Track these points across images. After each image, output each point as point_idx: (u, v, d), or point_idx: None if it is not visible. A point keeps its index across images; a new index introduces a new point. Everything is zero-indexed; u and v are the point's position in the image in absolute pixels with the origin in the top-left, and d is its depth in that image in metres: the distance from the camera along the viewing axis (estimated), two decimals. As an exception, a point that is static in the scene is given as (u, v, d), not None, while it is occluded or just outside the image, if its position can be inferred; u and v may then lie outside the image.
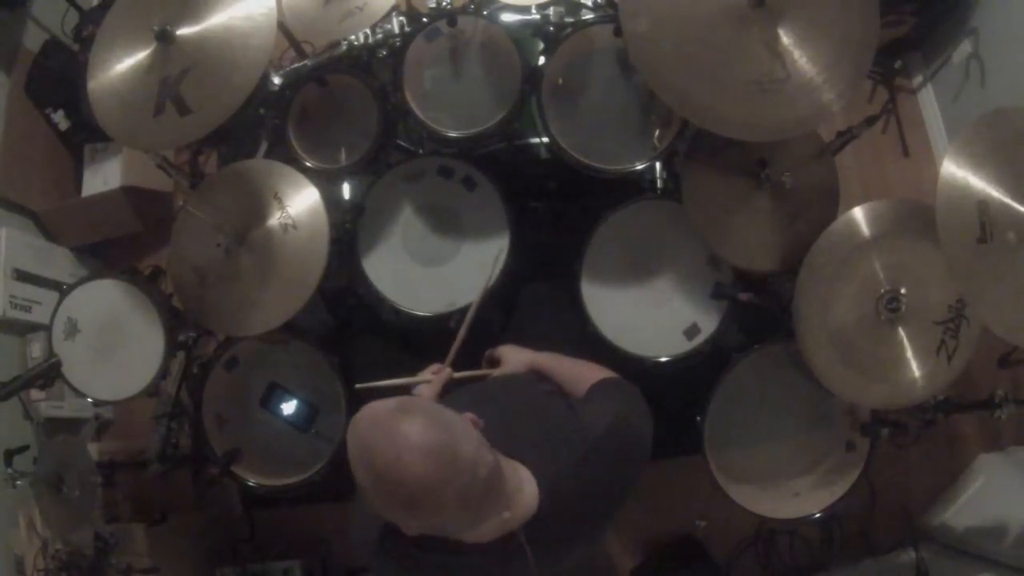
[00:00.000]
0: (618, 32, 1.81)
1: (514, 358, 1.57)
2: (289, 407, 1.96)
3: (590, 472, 1.17)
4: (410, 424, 0.97)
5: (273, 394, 1.97)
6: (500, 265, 1.85)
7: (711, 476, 1.86)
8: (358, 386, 1.66)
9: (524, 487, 1.11)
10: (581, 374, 1.43)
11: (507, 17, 1.97)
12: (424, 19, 1.91)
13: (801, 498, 1.92)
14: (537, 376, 1.52)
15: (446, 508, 0.97)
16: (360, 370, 1.90)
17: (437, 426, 0.99)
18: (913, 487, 2.44)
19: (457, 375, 1.60)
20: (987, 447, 2.45)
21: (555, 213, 2.23)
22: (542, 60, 1.85)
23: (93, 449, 2.61)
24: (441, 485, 0.95)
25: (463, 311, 1.87)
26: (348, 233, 1.95)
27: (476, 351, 1.67)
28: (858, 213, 1.65)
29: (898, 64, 2.55)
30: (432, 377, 1.57)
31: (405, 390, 1.58)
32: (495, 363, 1.61)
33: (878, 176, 2.66)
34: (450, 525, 1.03)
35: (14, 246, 2.48)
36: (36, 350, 2.46)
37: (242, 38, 1.55)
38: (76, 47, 2.69)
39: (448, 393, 1.56)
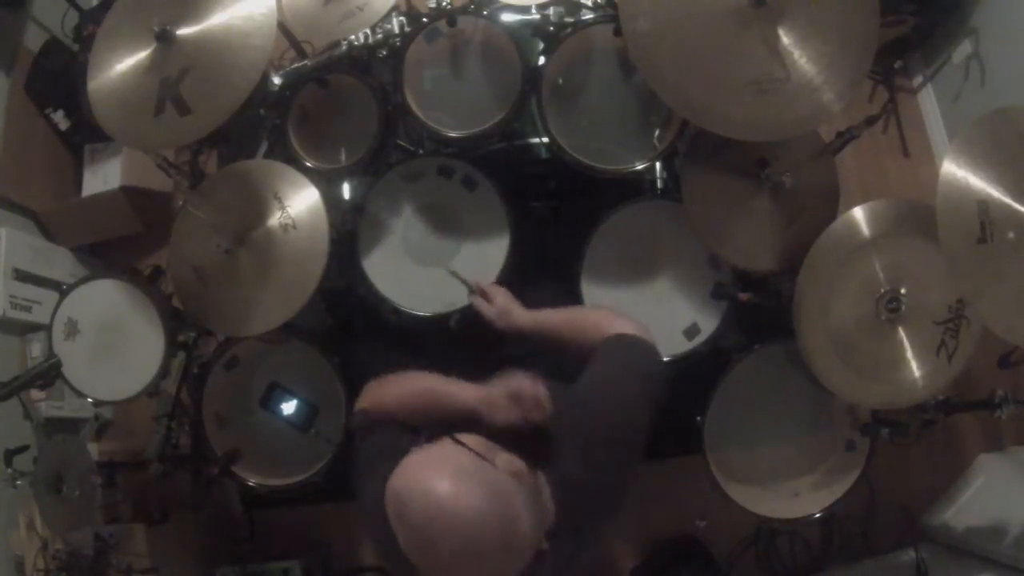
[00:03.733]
0: (618, 32, 1.81)
1: (505, 308, 1.50)
2: (289, 407, 1.96)
3: (601, 457, 1.14)
4: (469, 498, 0.93)
5: (273, 394, 1.97)
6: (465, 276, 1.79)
7: (711, 476, 1.86)
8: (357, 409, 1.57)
9: (545, 501, 1.08)
10: (587, 325, 1.35)
11: (507, 17, 1.97)
12: (424, 19, 1.91)
13: (801, 498, 1.92)
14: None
15: (498, 564, 0.96)
16: (360, 370, 1.90)
17: (501, 502, 0.95)
18: (913, 487, 2.44)
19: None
20: (987, 447, 2.45)
21: (555, 213, 2.24)
22: (542, 60, 1.85)
23: (93, 449, 2.61)
24: (503, 551, 0.94)
25: (463, 311, 1.88)
26: (348, 233, 1.95)
27: (476, 350, 1.67)
28: (858, 213, 1.65)
29: (898, 64, 2.55)
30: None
31: (392, 363, 1.49)
32: (486, 297, 1.57)
33: (878, 176, 2.66)
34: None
35: (14, 246, 2.48)
36: (36, 350, 2.46)
37: (242, 38, 1.55)
38: (76, 47, 2.69)
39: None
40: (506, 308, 1.52)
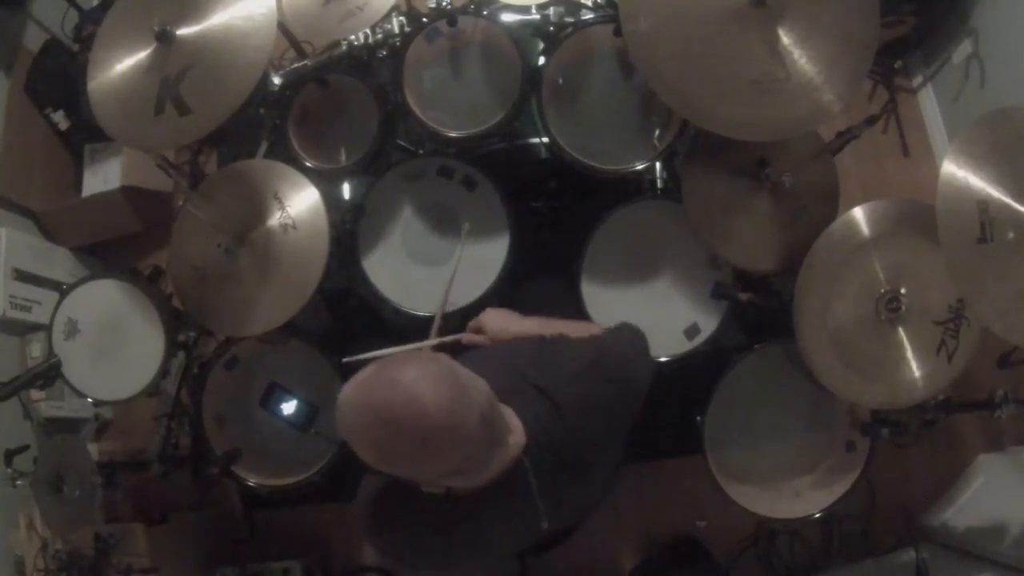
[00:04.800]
0: (618, 32, 1.81)
1: (500, 329, 1.52)
2: (289, 407, 1.96)
3: (576, 397, 1.16)
4: (406, 369, 0.96)
5: (273, 394, 1.97)
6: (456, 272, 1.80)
7: (711, 476, 1.86)
8: (345, 359, 1.65)
9: (510, 419, 1.10)
10: (584, 332, 1.40)
11: (507, 17, 1.97)
12: (424, 19, 1.91)
13: (801, 498, 1.92)
14: None
15: (469, 438, 0.95)
16: (360, 370, 1.90)
17: (429, 362, 0.98)
18: (913, 487, 2.43)
19: (436, 340, 1.58)
20: (987, 447, 2.45)
21: (555, 213, 2.24)
22: (542, 60, 1.85)
23: (93, 449, 2.60)
24: (460, 411, 0.94)
25: (464, 311, 1.88)
26: (348, 233, 1.95)
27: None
28: (858, 213, 1.65)
29: (898, 64, 2.55)
30: (416, 344, 1.56)
31: None
32: (478, 333, 1.57)
33: (878, 176, 2.66)
34: (470, 462, 0.99)
35: (14, 246, 2.48)
36: (36, 350, 2.46)
37: (242, 38, 1.55)
38: (76, 47, 2.69)
39: None
40: (499, 331, 1.52)
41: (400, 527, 1.13)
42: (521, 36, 1.91)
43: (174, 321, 1.88)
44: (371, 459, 0.97)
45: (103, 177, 2.68)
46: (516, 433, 1.08)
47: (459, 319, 1.87)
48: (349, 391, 0.98)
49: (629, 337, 1.37)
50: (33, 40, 2.68)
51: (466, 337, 1.58)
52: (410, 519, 1.11)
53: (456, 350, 1.56)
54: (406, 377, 0.94)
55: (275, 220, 1.75)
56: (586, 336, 1.34)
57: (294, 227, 1.74)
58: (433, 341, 1.59)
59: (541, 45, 1.89)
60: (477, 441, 0.97)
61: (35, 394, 2.31)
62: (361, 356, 1.63)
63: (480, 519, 1.10)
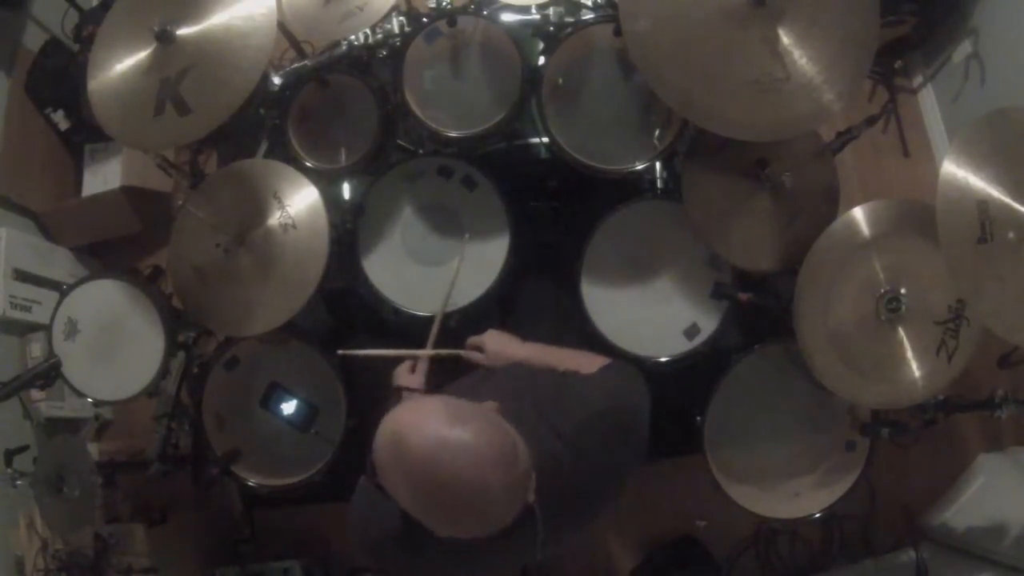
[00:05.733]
0: (618, 32, 1.81)
1: (498, 351, 1.53)
2: (289, 407, 1.96)
3: (588, 444, 1.16)
4: (468, 432, 0.94)
5: (273, 394, 1.97)
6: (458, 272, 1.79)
7: (711, 476, 1.86)
8: (340, 351, 1.65)
9: (524, 453, 1.09)
10: (580, 364, 1.40)
11: (507, 17, 1.97)
12: (424, 19, 1.91)
13: (801, 498, 1.92)
14: None
15: (499, 504, 0.96)
16: (360, 369, 1.90)
17: (496, 430, 0.97)
18: (913, 487, 2.43)
19: (435, 352, 1.60)
20: (987, 447, 2.45)
21: (555, 213, 2.24)
22: (542, 60, 1.85)
23: (93, 449, 2.61)
24: (504, 488, 0.95)
25: (464, 311, 1.88)
26: (348, 233, 1.95)
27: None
28: (858, 213, 1.65)
29: (898, 64, 2.55)
30: (414, 351, 1.57)
31: (389, 362, 1.58)
32: (477, 350, 1.58)
33: (878, 176, 2.66)
34: (500, 523, 1.00)
35: (14, 246, 2.48)
36: (36, 350, 2.46)
37: (242, 38, 1.55)
38: (76, 47, 2.69)
39: (433, 374, 1.56)
40: (498, 352, 1.53)
41: (404, 561, 1.15)
42: (521, 36, 1.91)
43: (174, 321, 1.88)
44: (407, 505, 0.98)
45: (103, 177, 2.68)
46: (532, 479, 1.08)
47: (459, 319, 1.87)
48: (406, 435, 0.95)
49: (631, 382, 1.34)
50: (33, 40, 2.67)
51: (465, 354, 1.58)
52: (412, 554, 1.12)
53: (455, 365, 1.58)
54: (466, 449, 0.93)
55: (275, 220, 1.75)
56: (597, 375, 1.33)
57: (294, 227, 1.74)
58: (432, 352, 1.60)
59: (541, 45, 1.89)
60: (514, 507, 0.98)
61: (35, 394, 2.31)
62: (360, 352, 1.64)
63: (479, 558, 1.10)
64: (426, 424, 0.96)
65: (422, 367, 1.58)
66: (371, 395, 1.81)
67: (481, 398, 1.09)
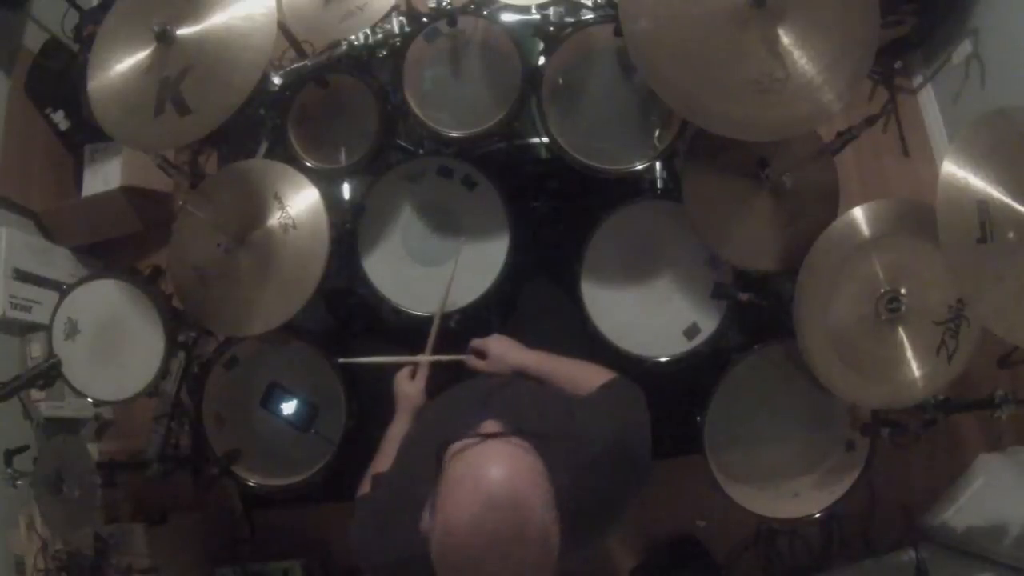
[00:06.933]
0: (618, 32, 1.81)
1: (500, 356, 1.52)
2: (289, 407, 1.96)
3: (598, 483, 1.17)
4: (512, 525, 0.92)
5: (273, 394, 1.97)
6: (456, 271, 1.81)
7: (711, 476, 1.86)
8: (341, 360, 1.65)
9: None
10: (580, 376, 1.40)
11: (507, 17, 1.97)
12: (424, 19, 1.91)
13: (801, 498, 1.92)
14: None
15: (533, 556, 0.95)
16: (360, 370, 1.90)
17: (541, 516, 0.95)
18: (913, 487, 2.43)
19: (435, 357, 1.60)
20: (987, 447, 2.45)
21: (555, 213, 2.24)
22: (542, 60, 1.85)
23: (93, 449, 2.61)
24: (555, 549, 0.95)
25: (463, 311, 1.88)
26: (348, 233, 1.95)
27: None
28: (858, 213, 1.65)
29: (898, 64, 2.55)
30: (415, 358, 1.57)
31: (388, 369, 1.59)
32: (480, 355, 1.58)
33: (878, 176, 2.66)
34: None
35: (14, 246, 2.48)
36: (36, 350, 2.46)
37: (242, 38, 1.54)
38: (76, 47, 2.69)
39: (431, 378, 1.57)
40: (501, 357, 1.52)
41: None
42: (521, 36, 1.91)
43: (174, 321, 1.88)
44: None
45: (103, 177, 2.68)
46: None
47: (458, 319, 1.88)
48: (455, 529, 0.93)
49: (634, 405, 1.32)
50: (33, 40, 2.68)
51: (467, 360, 1.59)
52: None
53: (458, 370, 1.58)
54: (511, 544, 0.91)
55: (275, 220, 1.75)
56: (602, 401, 1.31)
57: (294, 227, 1.74)
58: (433, 358, 1.60)
59: (541, 45, 1.89)
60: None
61: (35, 394, 2.31)
62: (359, 360, 1.64)
63: None
64: (470, 518, 0.92)
65: (422, 373, 1.58)
66: (371, 395, 1.81)
67: (490, 412, 1.09)
